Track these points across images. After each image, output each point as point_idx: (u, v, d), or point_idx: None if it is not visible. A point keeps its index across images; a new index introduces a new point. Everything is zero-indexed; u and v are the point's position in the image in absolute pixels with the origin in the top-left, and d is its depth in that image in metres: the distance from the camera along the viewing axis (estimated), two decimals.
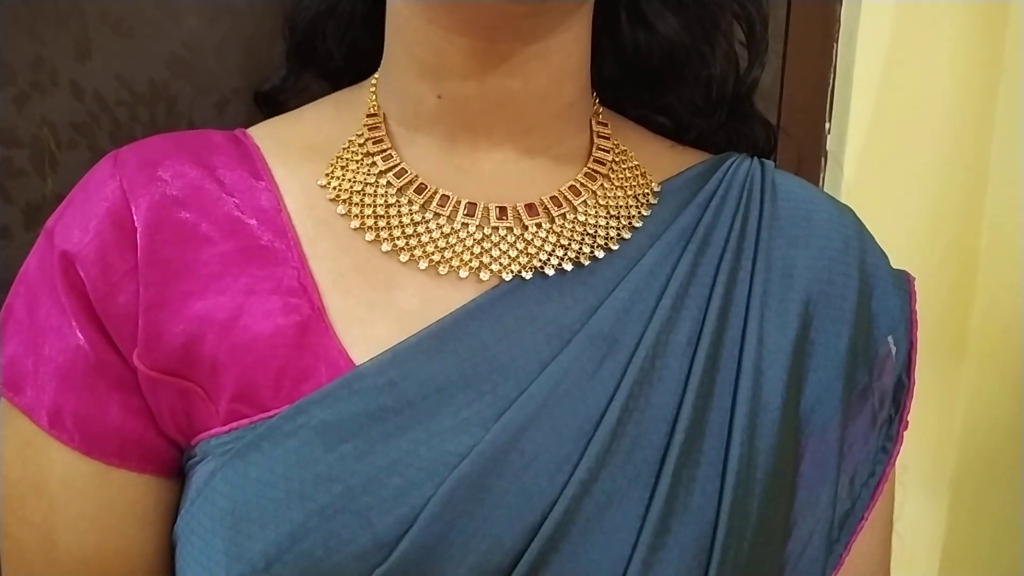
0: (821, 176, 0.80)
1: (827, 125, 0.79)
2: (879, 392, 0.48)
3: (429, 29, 0.44)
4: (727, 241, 0.46)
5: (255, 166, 0.46)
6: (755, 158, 0.51)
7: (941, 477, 0.91)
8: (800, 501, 0.44)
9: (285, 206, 0.45)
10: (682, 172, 0.50)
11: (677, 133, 0.55)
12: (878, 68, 0.81)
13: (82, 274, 0.42)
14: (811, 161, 0.80)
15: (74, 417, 0.42)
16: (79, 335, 0.42)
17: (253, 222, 0.44)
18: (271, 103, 0.56)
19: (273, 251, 0.43)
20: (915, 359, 0.49)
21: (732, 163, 0.50)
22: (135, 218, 0.43)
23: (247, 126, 0.49)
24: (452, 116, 0.45)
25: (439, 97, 0.45)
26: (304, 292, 0.42)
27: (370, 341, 0.42)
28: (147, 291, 0.42)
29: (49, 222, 0.45)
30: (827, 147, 0.79)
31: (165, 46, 0.56)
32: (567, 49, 0.45)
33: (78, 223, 0.43)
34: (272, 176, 0.46)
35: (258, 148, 0.47)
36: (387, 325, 0.42)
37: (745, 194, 0.48)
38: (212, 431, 0.42)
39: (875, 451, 0.48)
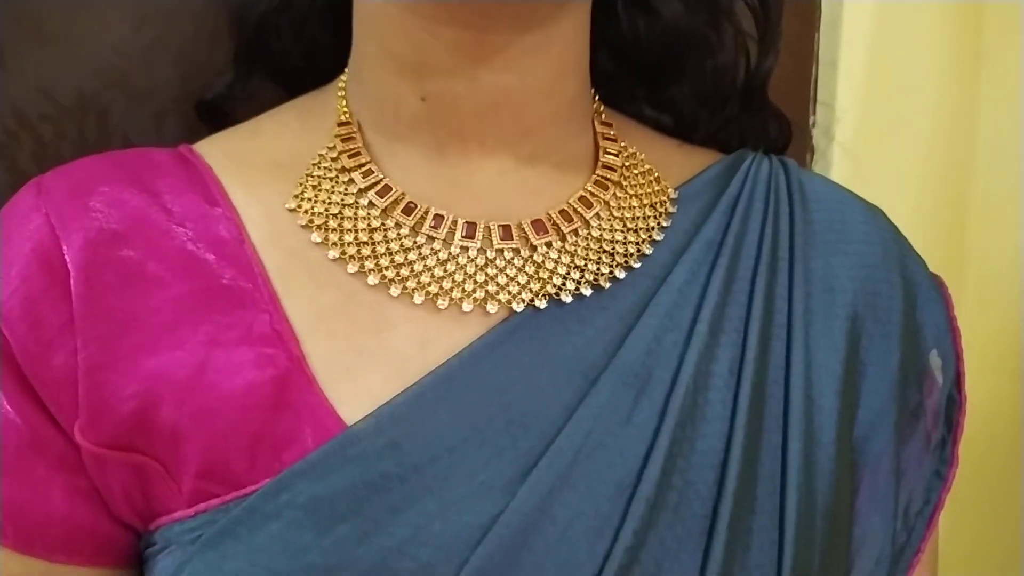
0: (808, 170, 0.76)
1: (812, 118, 0.75)
2: (930, 411, 0.43)
3: (408, 19, 0.37)
4: (759, 252, 0.41)
5: (208, 189, 0.39)
6: (772, 156, 0.46)
7: None
8: (857, 540, 0.40)
9: (248, 236, 0.38)
10: (698, 175, 0.44)
11: (681, 131, 0.49)
12: (863, 57, 0.77)
13: (6, 333, 0.35)
14: (796, 156, 0.76)
15: (7, 508, 0.35)
16: (7, 407, 0.35)
17: (211, 257, 0.37)
18: (216, 114, 0.49)
19: (238, 291, 0.36)
20: (964, 372, 0.44)
21: (751, 163, 0.44)
22: (67, 259, 0.36)
23: (191, 141, 0.42)
24: (439, 120, 0.39)
25: (422, 99, 0.39)
26: (279, 339, 0.35)
27: (362, 394, 0.35)
28: (87, 349, 0.35)
29: None
30: (813, 141, 0.75)
31: (93, 52, 0.49)
32: (567, 39, 0.40)
33: None
34: (230, 200, 0.39)
35: (210, 167, 0.40)
36: (381, 373, 0.36)
37: (772, 198, 0.43)
38: (175, 515, 0.35)
39: (929, 476, 0.43)
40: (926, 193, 0.85)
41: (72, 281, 0.35)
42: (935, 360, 0.44)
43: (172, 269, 0.36)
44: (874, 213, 0.45)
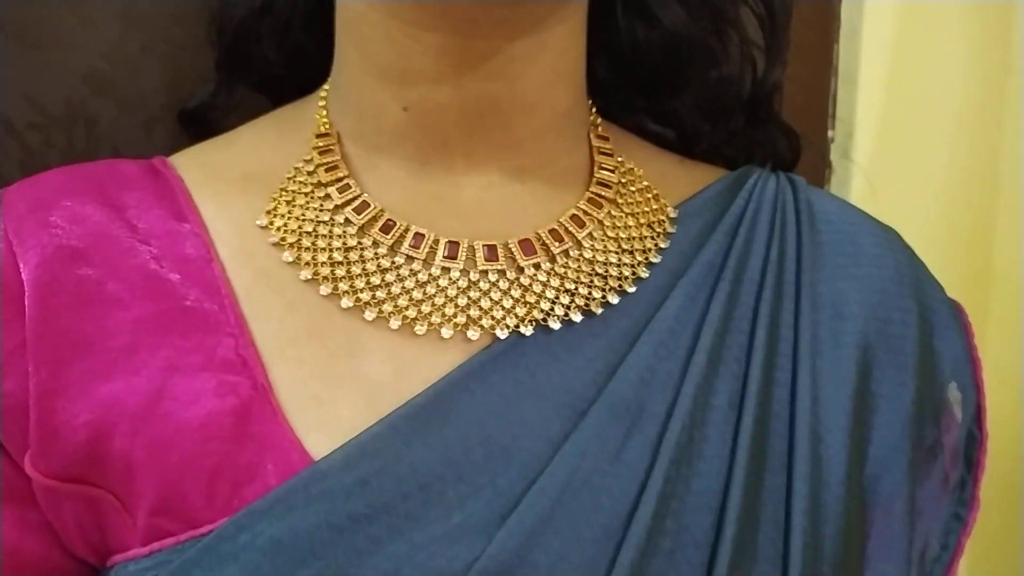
0: (825, 188, 0.72)
1: (830, 133, 0.72)
2: (948, 449, 0.40)
3: (390, 24, 0.35)
4: (763, 275, 0.38)
5: (177, 203, 0.37)
6: (780, 173, 0.43)
7: None
8: None
9: (217, 254, 0.35)
10: (699, 192, 0.42)
11: (683, 145, 0.46)
12: (884, 69, 0.74)
13: None
14: (813, 172, 0.73)
15: None
16: None
17: (175, 277, 0.35)
18: (199, 123, 0.47)
19: (202, 314, 0.34)
20: (984, 406, 0.41)
21: (756, 180, 0.42)
22: (23, 277, 0.34)
23: (181, 148, 0.41)
24: (422, 131, 0.37)
25: (405, 109, 0.36)
26: (243, 366, 0.33)
27: (330, 426, 0.33)
28: (39, 374, 0.33)
29: None
30: (831, 156, 0.73)
31: (81, 59, 0.47)
32: (561, 45, 0.37)
33: None
34: (199, 215, 0.37)
35: (181, 180, 0.38)
36: (352, 404, 0.33)
37: (778, 217, 0.40)
38: (129, 552, 0.33)
39: (947, 519, 0.40)
40: (949, 211, 0.81)
41: (26, 300, 0.33)
42: (954, 394, 0.40)
43: (133, 289, 0.34)
44: (888, 234, 0.42)
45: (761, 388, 0.35)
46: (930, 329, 0.40)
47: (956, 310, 0.42)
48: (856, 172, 0.75)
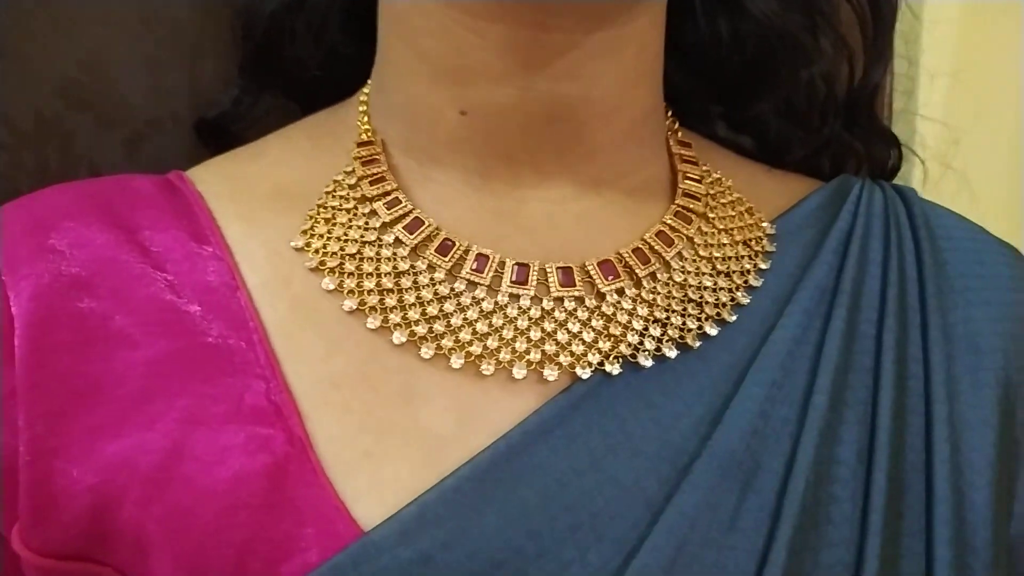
0: None
1: None
2: None
3: (447, 14, 0.30)
4: (883, 301, 0.33)
5: (197, 223, 0.32)
6: (883, 183, 0.38)
7: None
8: None
9: (244, 281, 0.30)
10: (795, 206, 0.36)
11: (765, 155, 0.41)
12: (943, 62, 0.69)
13: None
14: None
15: None
16: None
17: (195, 309, 0.29)
18: (219, 134, 0.42)
19: (227, 352, 0.29)
20: None
21: (860, 191, 0.36)
22: (13, 312, 0.28)
23: (167, 169, 0.35)
24: (483, 139, 0.32)
25: (463, 113, 0.31)
26: (277, 415, 0.28)
27: (383, 488, 0.27)
28: (32, 429, 0.28)
29: None
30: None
31: (56, 68, 0.42)
32: (642, 40, 0.32)
33: None
34: (223, 237, 0.31)
35: (201, 196, 0.33)
36: (408, 461, 0.28)
37: (894, 234, 0.35)
38: None
39: None
40: (1007, 213, 0.77)
41: (17, 340, 0.28)
42: None
43: (145, 324, 0.29)
44: (1014, 252, 0.37)
45: (893, 437, 0.30)
46: None
47: None
48: (916, 178, 0.71)
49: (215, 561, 0.26)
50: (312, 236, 0.31)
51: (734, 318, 0.32)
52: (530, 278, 0.31)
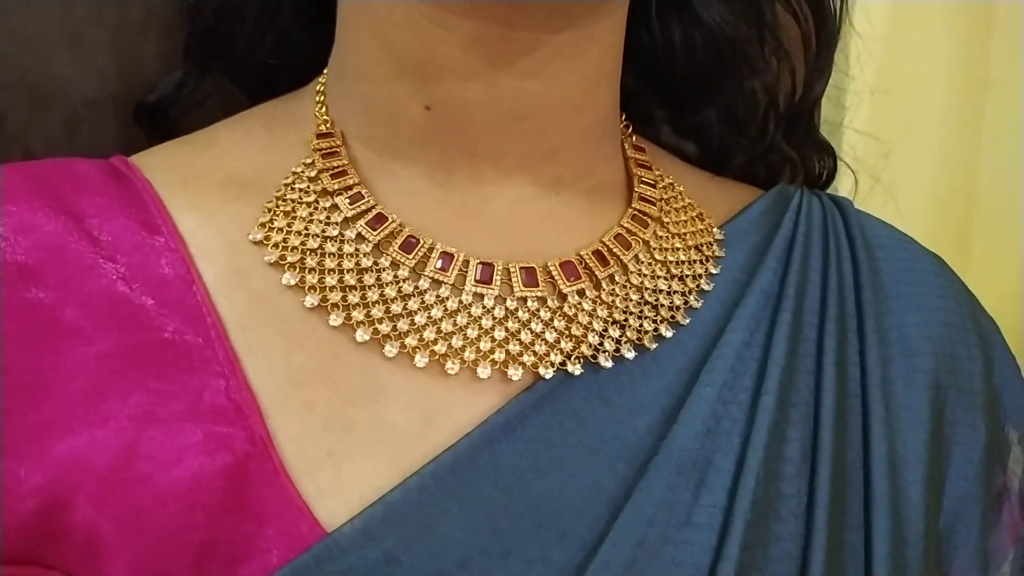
0: None
1: None
2: (1013, 495, 0.36)
3: (412, 7, 0.29)
4: (823, 306, 0.34)
5: (148, 212, 0.30)
6: (820, 193, 0.40)
7: None
8: None
9: (199, 274, 0.29)
10: (741, 212, 0.37)
11: (708, 162, 0.42)
12: (871, 76, 0.72)
13: None
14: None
15: None
16: None
17: (149, 302, 0.28)
18: (159, 119, 0.40)
19: (184, 349, 0.28)
20: None
21: (800, 200, 0.38)
22: None
23: (110, 154, 0.33)
24: (447, 134, 0.31)
25: (427, 107, 0.31)
26: (237, 414, 0.27)
27: (347, 488, 0.27)
28: None
29: None
30: None
31: None
32: (606, 41, 0.33)
33: None
34: (175, 227, 0.30)
35: (150, 184, 0.31)
36: (372, 459, 0.28)
37: (832, 242, 0.36)
38: None
39: (1016, 573, 0.36)
40: (929, 223, 0.81)
41: None
42: (1013, 433, 0.37)
43: (96, 317, 0.28)
44: (940, 261, 0.39)
45: (834, 436, 0.31)
46: (991, 364, 0.37)
47: (1005, 341, 0.39)
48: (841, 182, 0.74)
49: (172, 563, 0.26)
50: (271, 229, 0.31)
51: (688, 321, 0.32)
52: (494, 277, 0.31)
